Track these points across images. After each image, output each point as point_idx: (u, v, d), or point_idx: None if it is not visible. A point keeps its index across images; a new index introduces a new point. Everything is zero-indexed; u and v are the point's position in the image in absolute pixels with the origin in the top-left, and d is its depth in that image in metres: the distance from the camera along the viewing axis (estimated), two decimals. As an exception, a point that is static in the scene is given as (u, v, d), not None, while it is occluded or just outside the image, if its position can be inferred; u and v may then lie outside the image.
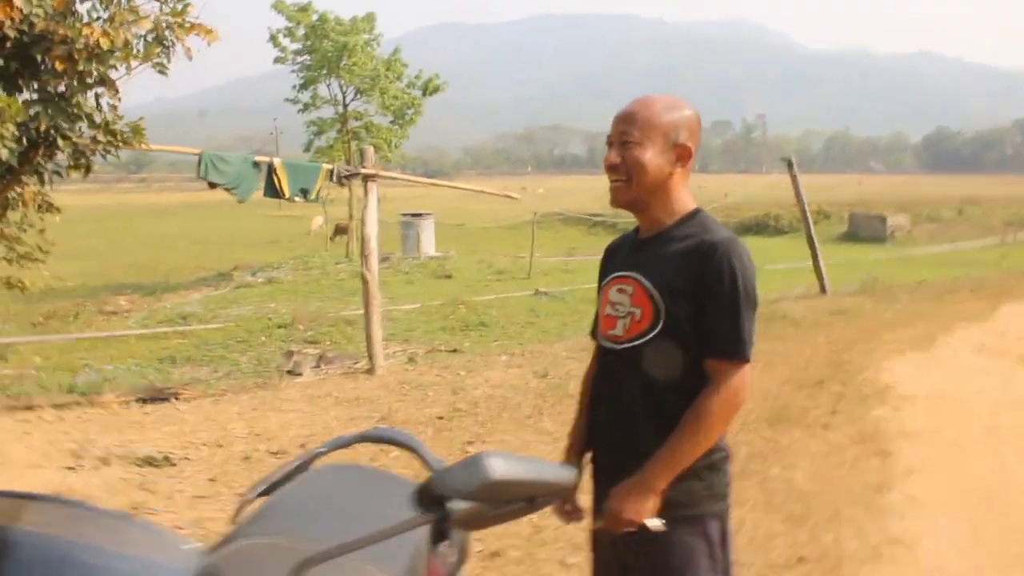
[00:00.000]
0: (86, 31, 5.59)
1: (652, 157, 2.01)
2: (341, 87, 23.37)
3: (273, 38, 22.83)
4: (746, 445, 5.27)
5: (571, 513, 2.20)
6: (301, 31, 22.67)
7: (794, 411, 5.99)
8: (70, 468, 4.90)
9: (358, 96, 23.40)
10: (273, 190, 7.86)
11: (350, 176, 8.26)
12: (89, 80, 6.03)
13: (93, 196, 72.84)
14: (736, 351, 1.93)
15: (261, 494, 2.07)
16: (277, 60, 23.23)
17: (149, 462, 5.04)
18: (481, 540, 3.77)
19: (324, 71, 22.82)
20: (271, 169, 7.78)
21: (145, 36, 6.18)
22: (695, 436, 1.92)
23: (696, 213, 2.09)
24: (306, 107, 23.62)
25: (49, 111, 5.82)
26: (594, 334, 2.26)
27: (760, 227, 27.97)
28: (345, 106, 23.54)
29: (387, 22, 26.29)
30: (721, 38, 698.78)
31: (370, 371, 8.03)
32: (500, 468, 1.29)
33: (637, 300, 2.03)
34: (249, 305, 15.31)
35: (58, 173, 6.79)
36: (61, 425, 5.99)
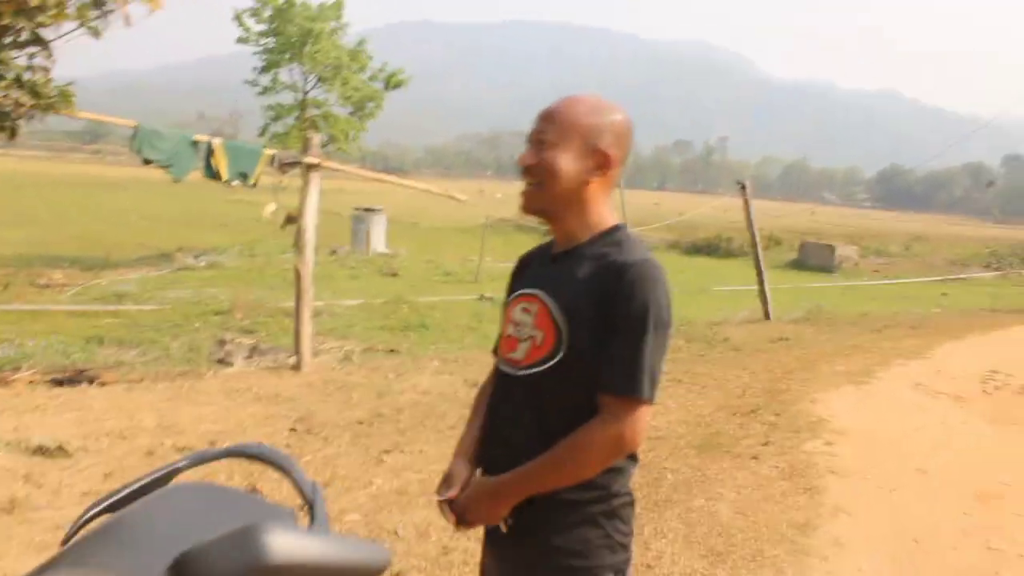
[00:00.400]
0: (13, -15, 5.26)
1: (567, 161, 1.80)
2: (303, 73, 22.97)
3: (238, 17, 22.34)
4: (672, 472, 5.13)
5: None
6: (268, 12, 22.21)
7: (725, 439, 5.87)
8: (-51, 453, 4.56)
9: (319, 84, 23.02)
10: (211, 171, 7.53)
11: (292, 164, 7.95)
12: (18, 38, 5.69)
13: (43, 164, 71.14)
14: (630, 387, 1.69)
15: (102, 512, 1.83)
16: (240, 40, 22.75)
17: (42, 451, 4.72)
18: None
19: (287, 55, 22.41)
20: (209, 149, 7.45)
21: (81, -1, 5.87)
22: (562, 466, 1.71)
23: (615, 230, 1.87)
24: (265, 90, 23.17)
25: (-34, 68, 5.48)
26: (494, 348, 2.05)
27: (712, 248, 28.11)
28: (305, 93, 23.13)
29: (356, 14, 25.84)
30: (693, 59, 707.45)
31: (296, 367, 7.74)
32: (281, 549, 0.97)
33: (540, 322, 1.81)
34: (188, 289, 14.91)
35: (-24, 135, 6.43)
36: (-48, 405, 5.63)
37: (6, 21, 5.41)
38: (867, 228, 49.11)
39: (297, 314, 7.89)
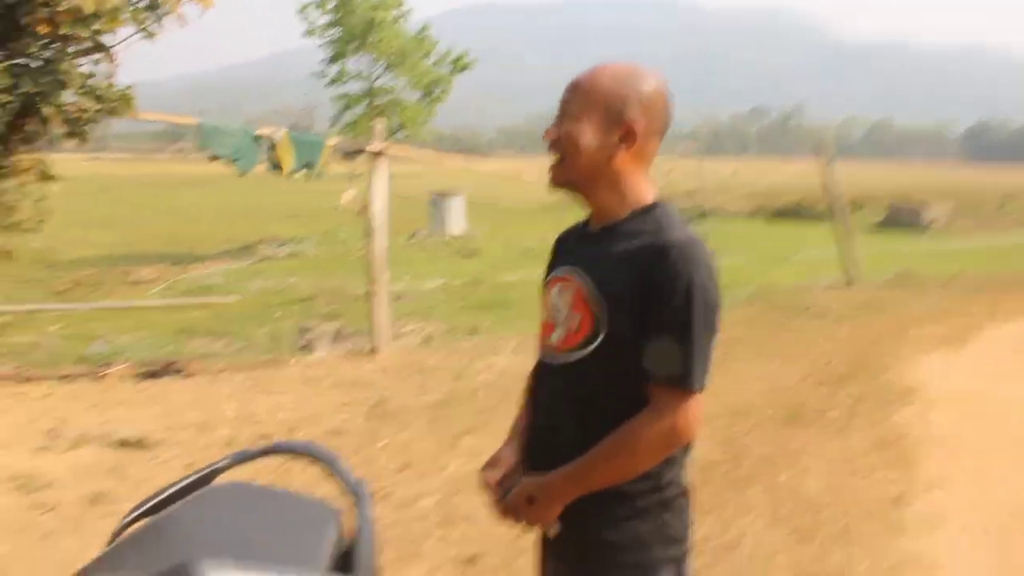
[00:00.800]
0: (70, -8, 5.35)
1: (589, 134, 1.69)
2: (369, 62, 23.13)
3: (303, 11, 22.61)
4: (756, 446, 4.98)
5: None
6: (331, 4, 22.42)
7: (810, 411, 5.67)
8: (39, 449, 4.70)
9: (386, 72, 23.13)
10: (276, 164, 7.60)
11: (355, 152, 7.98)
12: (78, 46, 5.81)
13: (128, 165, 73.56)
14: (681, 379, 1.59)
15: (144, 513, 1.81)
16: (306, 34, 23.03)
17: (126, 444, 4.83)
18: (455, 544, 3.51)
19: (352, 45, 22.58)
20: (273, 143, 7.52)
21: (137, 2, 5.95)
22: (612, 462, 1.63)
23: (654, 207, 1.74)
24: (334, 81, 23.41)
25: (32, 78, 5.60)
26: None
27: (793, 213, 27.25)
28: (373, 81, 23.29)
29: (421, 0, 25.85)
30: (760, 25, 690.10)
31: (373, 353, 7.78)
32: None
33: (576, 306, 1.71)
34: (271, 278, 15.18)
35: (52, 141, 6.61)
36: (47, 402, 5.82)
37: (65, 31, 5.52)
38: (958, 186, 47.13)
39: (371, 301, 7.93)
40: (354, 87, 23.71)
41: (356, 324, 9.86)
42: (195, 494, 1.89)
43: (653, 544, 1.69)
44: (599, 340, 1.65)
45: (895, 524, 3.86)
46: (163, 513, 1.79)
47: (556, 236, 1.99)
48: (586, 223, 1.85)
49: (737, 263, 15.51)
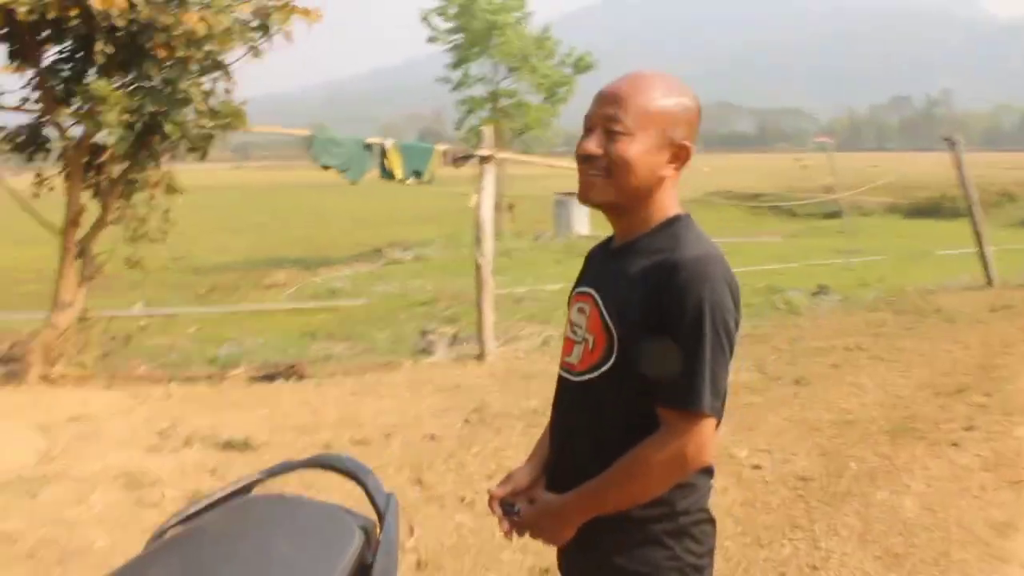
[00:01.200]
0: (184, 18, 5.65)
1: (643, 154, 1.62)
2: (492, 65, 23.40)
3: (425, 18, 23.10)
4: (856, 461, 4.74)
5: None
6: (453, 10, 22.80)
7: (923, 423, 5.36)
8: (150, 449, 4.98)
9: (509, 75, 23.35)
10: (387, 172, 7.82)
11: (464, 158, 8.09)
12: (194, 66, 6.13)
13: (271, 173, 77.09)
14: (691, 401, 1.53)
15: (184, 520, 1.90)
16: (430, 40, 23.50)
17: (230, 446, 5.07)
18: (532, 554, 3.50)
19: (475, 50, 22.90)
20: (383, 151, 7.73)
21: (249, 21, 6.23)
22: (623, 486, 1.59)
23: (674, 220, 1.69)
24: (458, 85, 23.80)
25: (154, 98, 5.95)
26: None
27: (933, 209, 25.84)
28: (496, 84, 23.56)
29: (545, 1, 25.84)
30: (896, 9, 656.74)
31: (480, 357, 7.87)
32: None
33: (592, 325, 1.68)
34: (396, 282, 15.57)
35: (175, 157, 7.00)
36: (166, 403, 6.16)
37: (181, 53, 5.84)
38: None
39: (479, 305, 8.04)
40: (478, 91, 24.03)
41: (472, 328, 10.01)
42: (231, 504, 1.99)
43: (667, 572, 1.63)
44: (612, 360, 1.62)
45: (998, 553, 3.57)
46: (197, 521, 1.89)
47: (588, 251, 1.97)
48: (611, 238, 1.81)
49: (870, 262, 14.89)
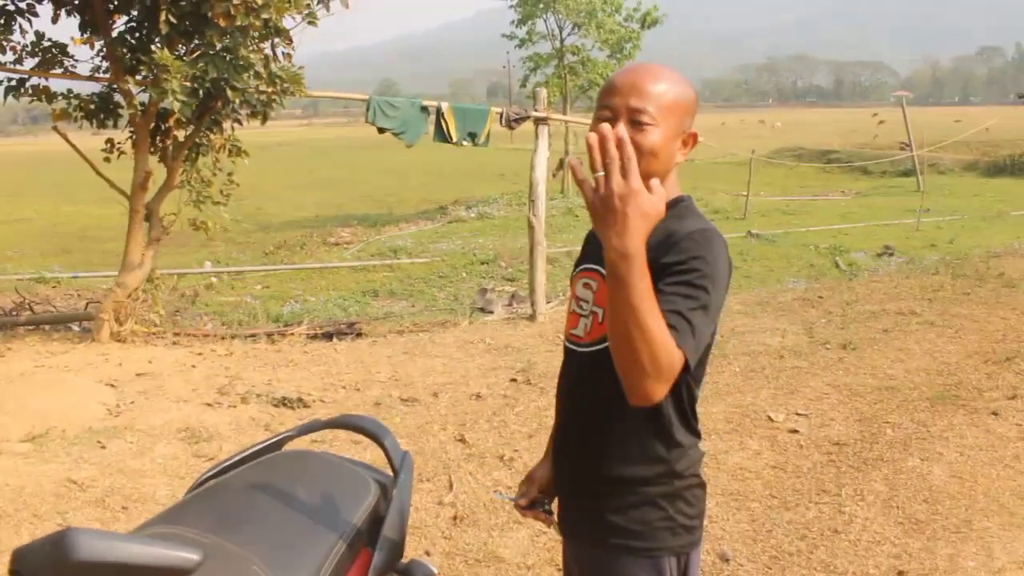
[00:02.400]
0: (243, -14, 5.82)
1: (666, 144, 1.71)
2: (557, 21, 23.16)
3: (491, -26, 23.00)
4: (892, 427, 4.77)
5: (534, 512, 2.02)
6: (519, -35, 22.62)
7: (965, 391, 5.33)
8: (209, 404, 5.27)
9: (575, 30, 23.10)
10: (442, 134, 7.95)
11: (520, 119, 8.16)
12: (253, 33, 6.31)
13: (341, 129, 77.85)
14: (679, 340, 1.50)
15: (220, 472, 2.10)
16: (495, -4, 23.41)
17: (284, 402, 5.33)
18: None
19: (540, 5, 22.69)
20: (439, 113, 7.85)
21: (306, -12, 6.38)
22: (645, 313, 1.44)
23: (678, 201, 1.78)
24: (523, 43, 23.65)
25: (216, 64, 6.16)
26: None
27: (1017, 167, 24.85)
28: (562, 41, 23.34)
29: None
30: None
31: (531, 318, 8.02)
32: (86, 549, 1.16)
33: (600, 299, 1.78)
34: (458, 240, 15.72)
35: (238, 121, 7.23)
36: (226, 360, 6.46)
37: (240, 21, 6.03)
38: None
39: (531, 265, 8.16)
40: (544, 47, 23.86)
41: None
42: (262, 458, 2.19)
43: (660, 532, 1.75)
44: None
45: (1021, 523, 3.59)
46: (230, 474, 2.10)
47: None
48: None
49: (942, 222, 14.51)
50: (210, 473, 2.11)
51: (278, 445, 2.25)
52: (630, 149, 1.40)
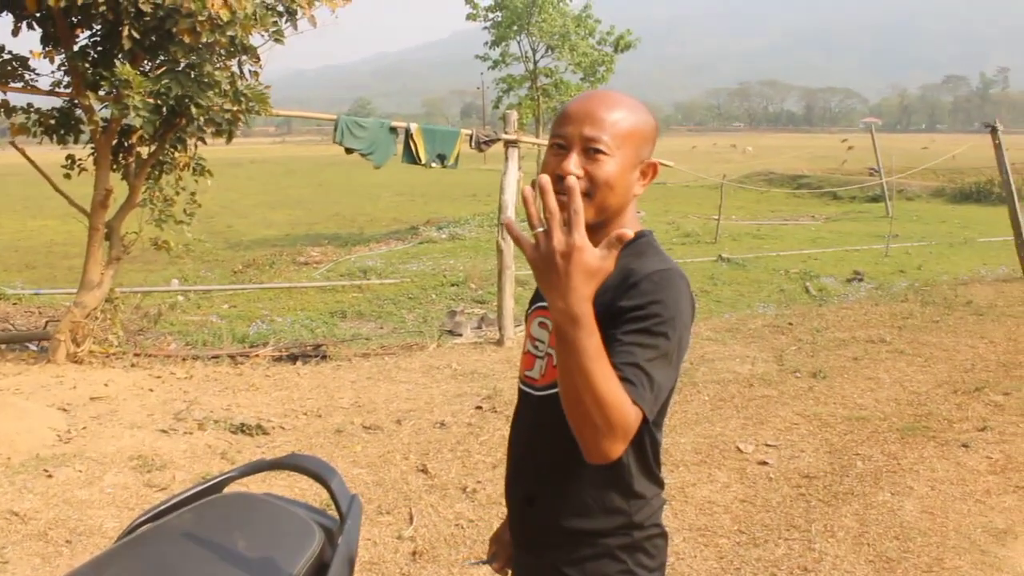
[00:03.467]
0: (209, 3, 5.71)
1: (622, 174, 1.61)
2: (531, 43, 23.26)
3: (465, -6, 23.04)
4: (862, 460, 4.71)
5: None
6: (493, -13, 22.74)
7: (935, 422, 5.30)
8: (164, 431, 5.10)
9: (548, 53, 23.21)
10: (410, 156, 7.86)
11: (490, 142, 8.09)
12: (220, 50, 6.20)
13: (313, 148, 77.54)
14: (636, 396, 1.41)
15: (153, 517, 1.97)
16: (469, 17, 23.40)
17: (243, 429, 5.17)
18: None
19: (514, 28, 22.78)
20: (408, 134, 7.77)
21: (273, 6, 6.27)
22: (592, 367, 1.35)
23: (639, 237, 1.67)
24: (496, 64, 23.72)
25: (180, 81, 6.03)
26: None
27: (981, 194, 25.23)
28: (535, 63, 23.42)
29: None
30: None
31: (499, 342, 7.92)
32: None
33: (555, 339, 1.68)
34: (428, 261, 15.60)
35: (202, 139, 7.09)
36: (185, 383, 6.29)
37: (206, 38, 5.91)
38: None
39: (500, 289, 8.07)
40: (517, 69, 23.95)
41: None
42: (200, 502, 2.06)
43: None
44: None
45: (993, 561, 3.52)
46: (164, 520, 1.96)
47: None
48: None
49: (910, 248, 14.64)
50: (144, 518, 1.98)
51: (219, 487, 2.12)
52: (578, 201, 1.28)
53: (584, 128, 1.60)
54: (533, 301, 1.86)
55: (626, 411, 1.38)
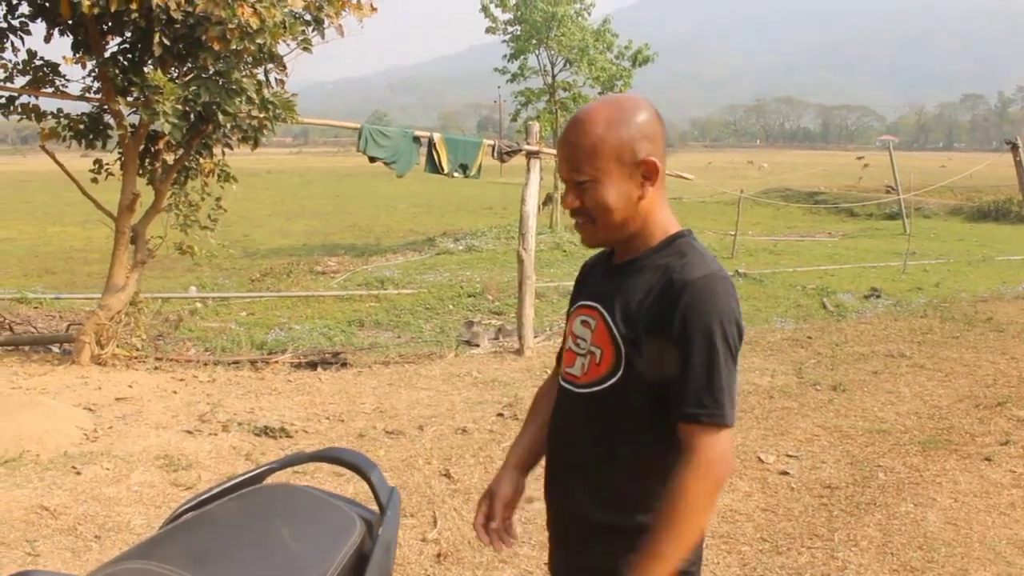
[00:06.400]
0: (239, 11, 5.79)
1: (614, 192, 1.65)
2: (550, 57, 23.32)
3: (484, 8, 23.09)
4: (884, 472, 4.70)
5: (497, 533, 1.92)
6: (512, 1, 22.78)
7: (957, 436, 5.29)
8: (189, 432, 5.15)
9: (566, 67, 23.26)
10: (433, 165, 7.92)
11: (511, 152, 8.15)
12: (248, 58, 6.28)
13: (330, 159, 77.98)
14: (717, 415, 1.55)
15: (197, 505, 2.00)
16: (488, 30, 23.50)
17: (266, 432, 5.21)
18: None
19: (533, 41, 22.84)
20: (431, 144, 7.83)
21: (301, 15, 6.36)
22: (680, 526, 1.54)
23: (678, 237, 1.71)
24: (514, 77, 23.79)
25: (208, 88, 6.12)
26: (557, 355, 1.98)
27: (1000, 213, 25.15)
28: (553, 76, 23.49)
29: (605, -9, 25.54)
30: (974, 3, 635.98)
31: (519, 352, 7.94)
32: None
33: (599, 338, 1.70)
34: (445, 272, 15.65)
35: (228, 146, 7.18)
36: (208, 386, 6.34)
37: (235, 45, 6.00)
38: None
39: (520, 299, 8.10)
40: (535, 83, 24.00)
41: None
42: (243, 491, 2.09)
43: None
44: (620, 373, 1.65)
45: (1019, 574, 3.50)
46: (208, 507, 2.00)
47: (583, 263, 1.99)
48: (611, 253, 1.83)
49: (928, 265, 14.59)
50: (187, 505, 2.02)
51: (260, 478, 2.15)
52: None
53: (564, 168, 1.70)
54: (574, 300, 1.89)
55: (724, 471, 1.58)
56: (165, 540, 1.84)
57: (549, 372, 6.42)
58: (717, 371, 1.56)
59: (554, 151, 10.18)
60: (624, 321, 1.65)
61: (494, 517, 1.92)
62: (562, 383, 1.83)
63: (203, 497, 2.04)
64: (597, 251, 1.94)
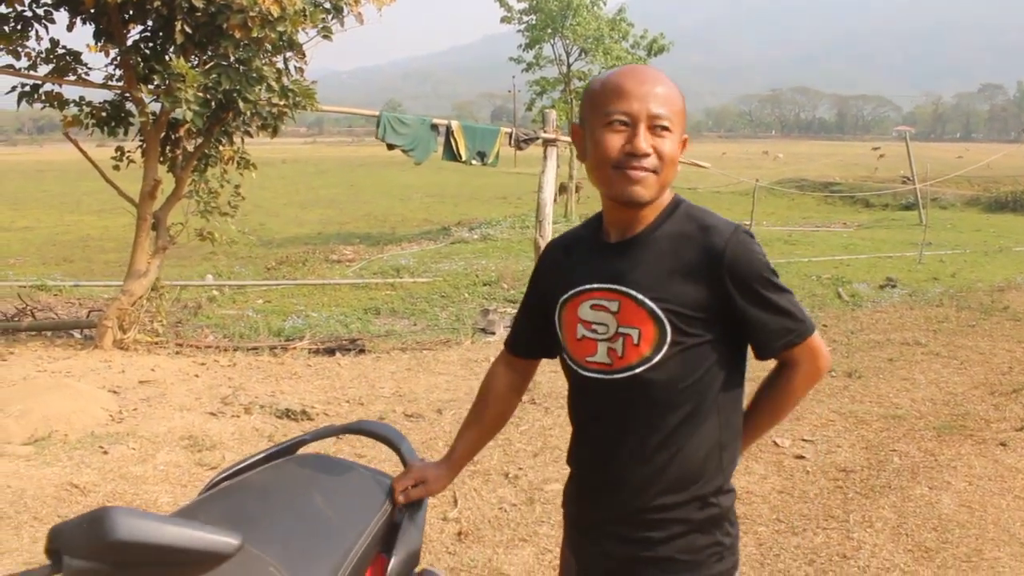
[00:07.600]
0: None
1: (678, 150, 1.66)
2: (565, 47, 23.32)
3: (499, -2, 23.15)
4: (900, 456, 4.73)
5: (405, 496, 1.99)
6: (528, -10, 22.82)
7: (973, 421, 5.31)
8: (212, 414, 5.24)
9: (581, 56, 23.26)
10: (451, 152, 7.97)
11: (529, 140, 8.19)
12: (268, 46, 6.34)
13: (345, 149, 78.17)
14: (808, 329, 1.70)
15: (234, 474, 2.06)
16: (503, 20, 23.52)
17: (288, 414, 5.30)
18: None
19: (548, 30, 22.85)
20: (449, 131, 7.88)
21: (321, 3, 6.41)
22: (783, 419, 1.91)
23: (679, 203, 1.72)
24: (529, 67, 23.80)
25: (229, 76, 6.18)
26: (511, 346, 2.00)
27: (1018, 203, 24.95)
28: (568, 66, 23.49)
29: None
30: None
31: (536, 338, 7.99)
32: (126, 528, 1.15)
33: (630, 318, 1.64)
34: (461, 260, 15.69)
35: (248, 133, 7.24)
36: (229, 371, 6.43)
37: (256, 33, 6.06)
38: None
39: (535, 287, 8.14)
40: (550, 72, 24.01)
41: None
42: (277, 462, 2.16)
43: (709, 559, 1.67)
44: (666, 345, 1.62)
45: (1032, 552, 3.58)
46: (245, 476, 2.07)
47: (549, 246, 1.95)
48: (595, 233, 1.79)
49: (944, 256, 14.55)
50: (225, 474, 2.08)
51: (292, 449, 2.22)
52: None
53: (650, 105, 1.61)
54: (567, 287, 1.77)
55: (825, 367, 1.77)
56: (204, 505, 1.91)
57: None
58: (784, 298, 1.67)
59: (570, 140, 10.22)
60: (660, 292, 1.62)
61: (407, 491, 1.99)
62: (584, 374, 1.73)
63: (239, 467, 2.11)
64: (559, 234, 1.98)
